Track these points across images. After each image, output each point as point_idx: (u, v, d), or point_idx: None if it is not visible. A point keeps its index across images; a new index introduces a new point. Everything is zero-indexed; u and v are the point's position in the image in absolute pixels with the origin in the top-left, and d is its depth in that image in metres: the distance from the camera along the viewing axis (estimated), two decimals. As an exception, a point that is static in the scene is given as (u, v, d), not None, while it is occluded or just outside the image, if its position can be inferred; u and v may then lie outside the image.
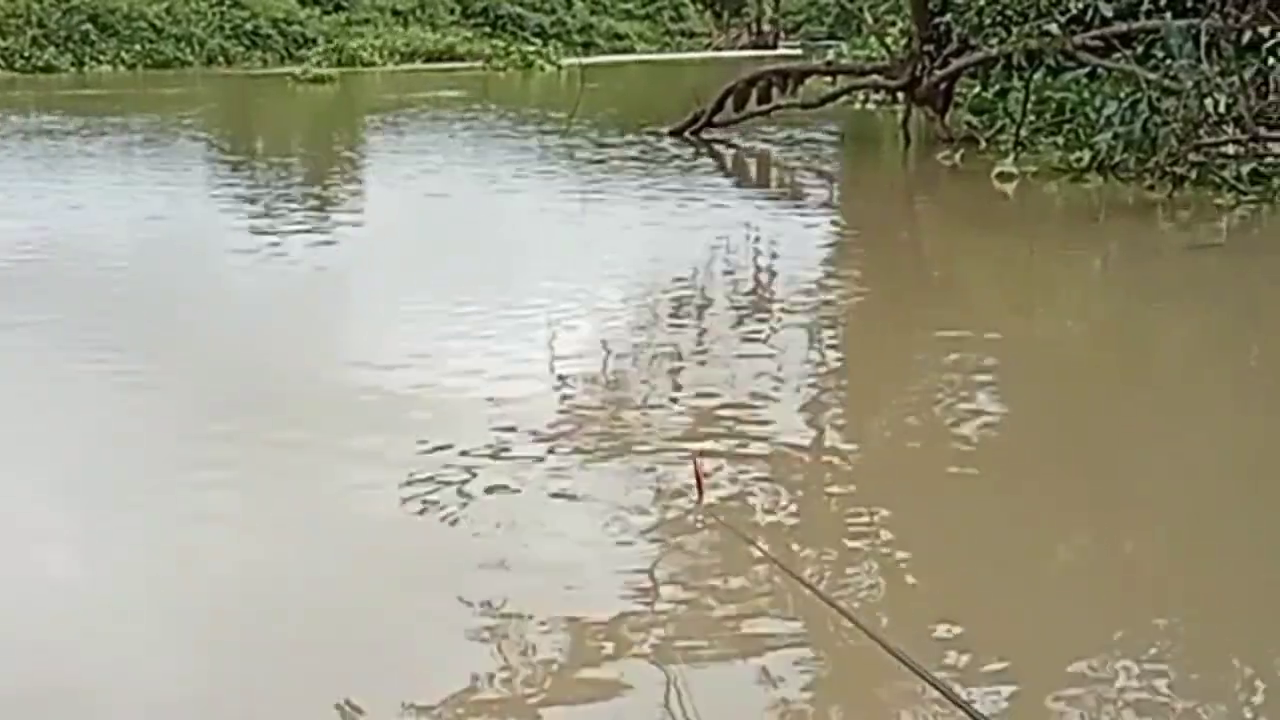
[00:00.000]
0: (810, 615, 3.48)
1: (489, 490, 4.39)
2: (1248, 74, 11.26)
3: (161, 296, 7.88)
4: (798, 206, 12.27)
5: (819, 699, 3.16)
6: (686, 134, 16.53)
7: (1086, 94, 13.44)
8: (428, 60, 40.58)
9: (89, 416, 5.41)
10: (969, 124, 15.37)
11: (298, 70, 33.32)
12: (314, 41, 39.62)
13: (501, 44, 40.55)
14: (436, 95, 26.09)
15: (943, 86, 15.43)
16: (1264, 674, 3.24)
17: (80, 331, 6.84)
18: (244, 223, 10.74)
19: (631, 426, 5.10)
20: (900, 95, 16.33)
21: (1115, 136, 11.72)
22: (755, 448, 4.78)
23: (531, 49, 40.06)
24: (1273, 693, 3.16)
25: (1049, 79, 14.32)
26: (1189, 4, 12.71)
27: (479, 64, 38.22)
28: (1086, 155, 12.29)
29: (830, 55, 22.69)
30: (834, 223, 11.54)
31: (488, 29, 45.52)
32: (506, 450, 4.76)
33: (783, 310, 7.54)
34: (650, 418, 5.23)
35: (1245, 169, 10.86)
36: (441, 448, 4.77)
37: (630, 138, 16.81)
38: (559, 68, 37.00)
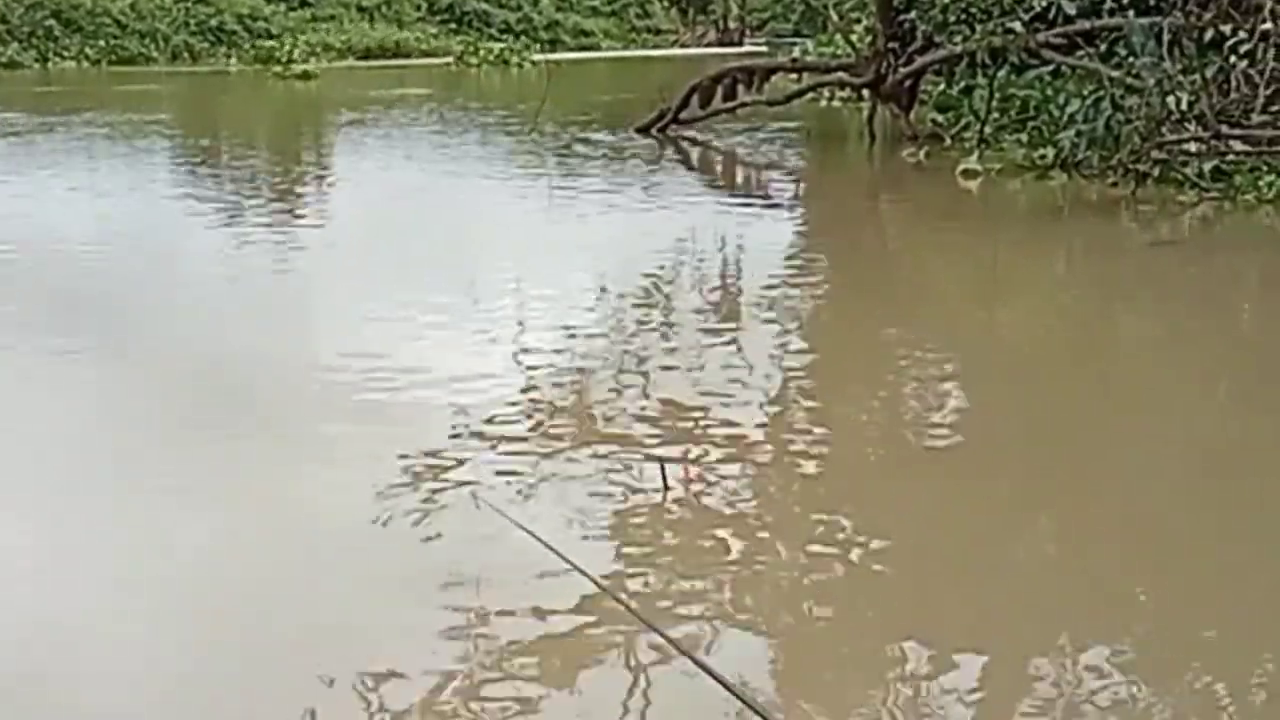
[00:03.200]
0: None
1: (453, 492, 4.38)
2: (1209, 72, 11.34)
3: (127, 295, 7.82)
4: (763, 203, 12.29)
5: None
6: (653, 131, 16.51)
7: (1050, 91, 13.48)
8: (375, 56, 40.26)
9: (48, 416, 5.36)
10: (934, 121, 15.43)
11: (278, 66, 33.08)
12: (278, 37, 39.33)
13: (469, 40, 40.37)
14: (406, 93, 25.99)
15: (907, 84, 15.47)
16: (1234, 667, 3.27)
17: (39, 331, 6.80)
18: (211, 221, 10.65)
19: (596, 426, 5.11)
20: (865, 92, 16.35)
21: (1078, 134, 11.76)
22: (719, 447, 4.80)
23: (500, 45, 39.88)
24: (1241, 688, 3.19)
25: (1013, 76, 14.36)
26: (1151, 2, 12.79)
27: (449, 60, 37.99)
28: (1050, 152, 12.33)
29: (796, 52, 22.65)
30: (799, 219, 11.57)
31: (453, 25, 45.35)
32: (471, 450, 4.76)
33: (747, 306, 7.56)
34: (614, 417, 5.23)
35: (1207, 166, 10.94)
36: (407, 447, 4.76)
37: (597, 135, 16.78)
38: (533, 64, 36.88)
